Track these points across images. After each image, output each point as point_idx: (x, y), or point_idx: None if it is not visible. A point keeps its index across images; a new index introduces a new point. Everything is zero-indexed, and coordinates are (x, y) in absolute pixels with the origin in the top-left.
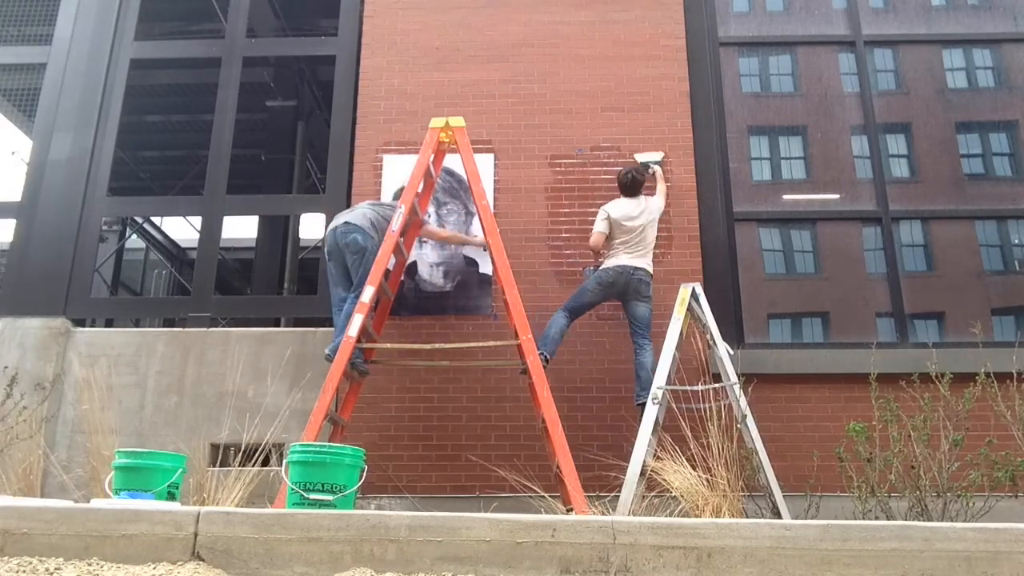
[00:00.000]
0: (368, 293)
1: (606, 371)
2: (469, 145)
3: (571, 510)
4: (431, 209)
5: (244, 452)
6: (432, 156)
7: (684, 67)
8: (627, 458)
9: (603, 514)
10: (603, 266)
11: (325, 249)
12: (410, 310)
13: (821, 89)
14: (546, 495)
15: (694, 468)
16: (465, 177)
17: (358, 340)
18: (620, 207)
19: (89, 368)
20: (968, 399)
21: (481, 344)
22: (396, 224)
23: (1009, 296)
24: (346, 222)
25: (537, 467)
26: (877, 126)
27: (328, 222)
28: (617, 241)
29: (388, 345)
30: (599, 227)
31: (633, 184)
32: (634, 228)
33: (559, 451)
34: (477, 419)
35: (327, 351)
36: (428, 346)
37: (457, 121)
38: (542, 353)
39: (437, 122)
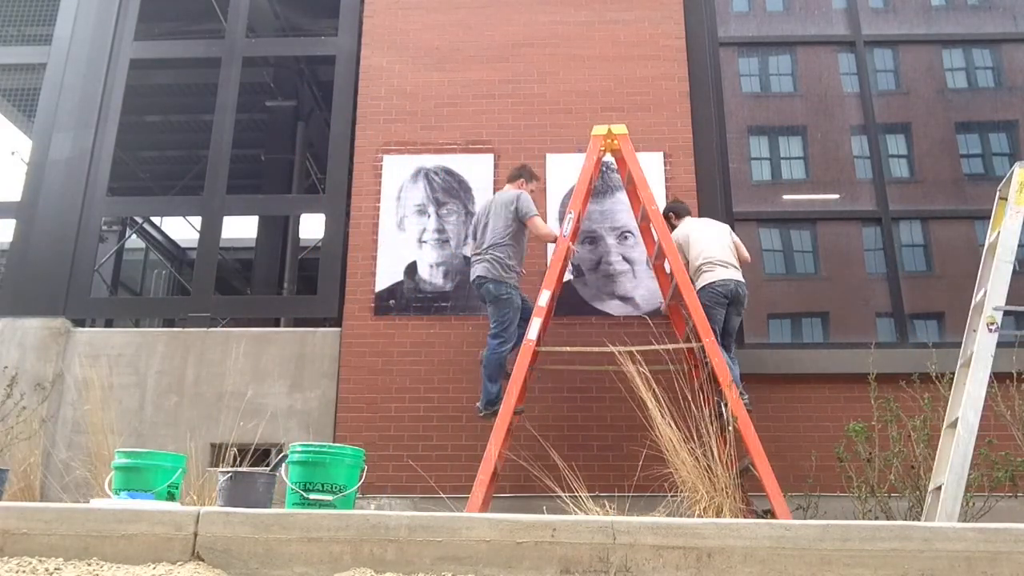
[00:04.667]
0: (544, 297)
1: (606, 371)
2: (633, 151)
3: (769, 512)
4: (431, 209)
5: (244, 452)
6: (597, 160)
7: (684, 67)
8: (627, 458)
9: (604, 514)
10: None
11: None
12: (410, 310)
13: (821, 89)
14: (546, 495)
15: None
16: (466, 178)
17: (538, 344)
18: None
19: (89, 368)
20: None
21: (663, 347)
22: (568, 229)
23: (1009, 296)
24: (478, 275)
25: (537, 467)
26: (877, 126)
27: (328, 222)
28: None
29: (567, 349)
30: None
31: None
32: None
33: (752, 449)
34: (477, 419)
35: (479, 406)
36: (608, 348)
37: (620, 129)
38: None
39: (600, 130)
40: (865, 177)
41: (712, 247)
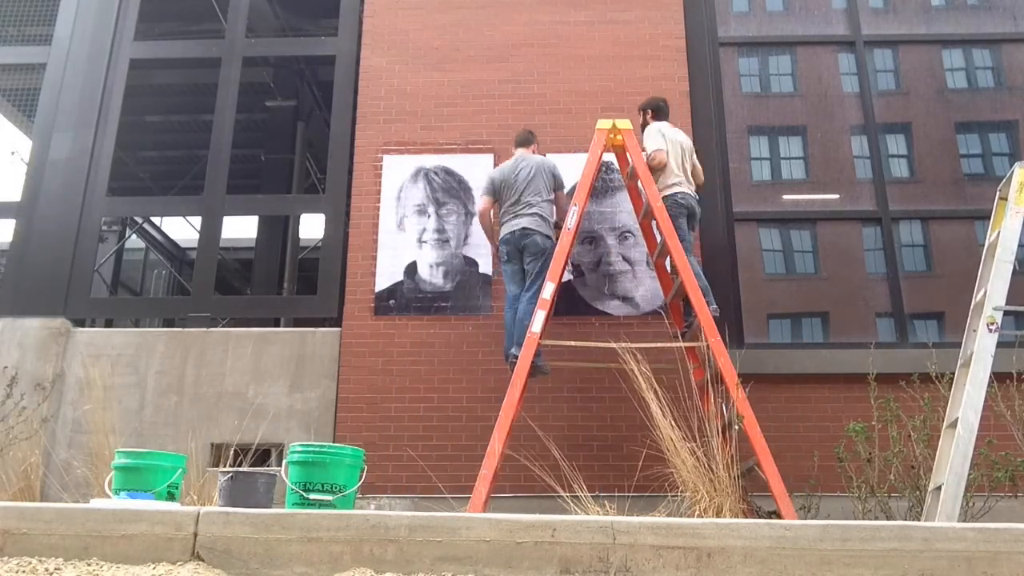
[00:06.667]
0: (549, 290)
1: (605, 371)
2: (638, 146)
3: (775, 513)
4: (431, 209)
5: (244, 452)
6: (600, 154)
7: (684, 67)
8: (627, 457)
9: (604, 514)
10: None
11: (503, 249)
12: (410, 310)
13: (821, 89)
14: (546, 495)
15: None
16: (465, 178)
17: (541, 337)
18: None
19: (89, 368)
20: None
21: (669, 344)
22: (572, 222)
23: (1009, 296)
24: (524, 227)
25: (537, 467)
26: (877, 126)
27: (328, 222)
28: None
29: (572, 343)
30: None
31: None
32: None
33: (758, 450)
34: (477, 419)
35: (512, 351)
36: (614, 345)
37: (624, 123)
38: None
39: (604, 123)
40: (865, 177)
41: (672, 162)
